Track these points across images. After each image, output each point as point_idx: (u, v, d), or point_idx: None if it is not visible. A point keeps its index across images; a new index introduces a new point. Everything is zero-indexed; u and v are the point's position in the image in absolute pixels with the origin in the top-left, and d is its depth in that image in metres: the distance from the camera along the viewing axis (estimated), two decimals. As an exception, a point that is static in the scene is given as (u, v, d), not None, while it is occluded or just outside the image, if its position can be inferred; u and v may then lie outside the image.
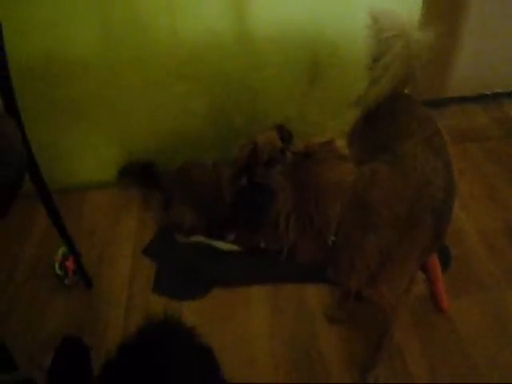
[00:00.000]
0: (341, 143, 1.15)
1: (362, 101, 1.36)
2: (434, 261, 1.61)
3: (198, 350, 0.88)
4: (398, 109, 1.30)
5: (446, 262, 1.65)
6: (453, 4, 2.12)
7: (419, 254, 1.13)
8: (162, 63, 1.74)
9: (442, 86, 2.31)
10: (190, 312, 1.57)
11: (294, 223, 1.09)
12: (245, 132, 1.88)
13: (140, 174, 1.95)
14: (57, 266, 1.62)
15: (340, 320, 1.52)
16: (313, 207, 1.05)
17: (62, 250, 1.65)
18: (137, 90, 1.79)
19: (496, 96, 2.45)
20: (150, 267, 1.73)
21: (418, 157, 1.12)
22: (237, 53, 1.76)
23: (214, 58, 1.75)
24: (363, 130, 1.38)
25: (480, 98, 2.43)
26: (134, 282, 1.69)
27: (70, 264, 1.62)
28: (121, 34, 1.65)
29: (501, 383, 1.34)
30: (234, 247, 1.71)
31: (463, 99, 2.41)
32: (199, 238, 1.74)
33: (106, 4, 1.59)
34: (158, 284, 1.66)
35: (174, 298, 1.61)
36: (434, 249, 1.24)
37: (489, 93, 2.43)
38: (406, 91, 1.42)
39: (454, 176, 1.21)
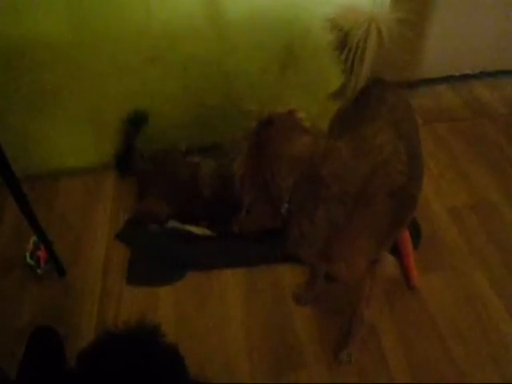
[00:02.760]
0: (301, 115, 1.11)
1: (340, 93, 1.33)
2: (406, 237, 1.60)
3: (163, 350, 0.83)
4: (371, 94, 1.27)
5: (416, 239, 1.63)
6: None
7: (376, 235, 1.11)
8: (136, 46, 1.65)
9: (413, 68, 2.28)
10: (166, 297, 1.53)
11: (248, 186, 1.08)
12: (219, 114, 1.84)
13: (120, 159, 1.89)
14: (28, 255, 1.55)
15: (306, 301, 1.50)
16: (268, 174, 1.03)
17: (33, 239, 1.57)
18: (109, 74, 1.70)
19: (464, 77, 2.43)
20: (125, 254, 1.66)
21: (377, 138, 1.09)
22: (210, 36, 1.68)
23: (188, 41, 1.67)
24: (341, 117, 1.35)
25: (449, 80, 2.41)
26: (108, 270, 1.62)
27: (41, 253, 1.54)
28: (91, 16, 1.55)
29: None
30: (208, 232, 1.66)
31: (433, 81, 2.38)
32: (173, 224, 1.68)
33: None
34: (131, 272, 1.60)
35: (148, 285, 1.56)
36: (394, 233, 1.21)
37: (457, 74, 2.40)
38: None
39: (419, 164, 1.19)
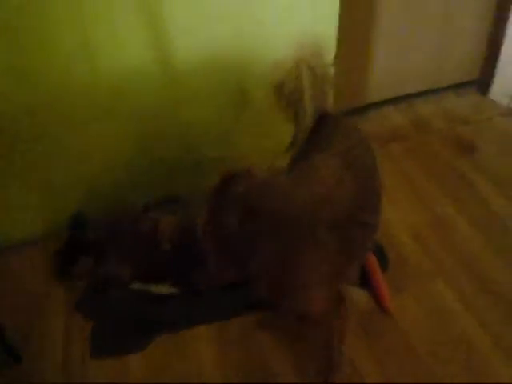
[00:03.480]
0: (260, 170, 1.09)
1: (293, 144, 1.35)
2: (373, 263, 1.62)
3: None
4: (320, 128, 1.28)
5: (383, 262, 1.66)
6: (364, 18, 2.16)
7: (327, 267, 1.07)
8: (83, 105, 1.58)
9: (361, 94, 2.35)
10: (137, 365, 1.43)
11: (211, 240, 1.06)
12: (177, 167, 1.80)
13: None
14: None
15: None
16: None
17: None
18: (56, 133, 1.62)
19: (408, 97, 2.53)
20: (86, 325, 1.54)
21: (321, 170, 1.09)
22: (162, 85, 1.65)
23: (139, 95, 1.63)
24: (295, 158, 1.35)
25: (395, 101, 2.51)
26: (69, 345, 1.49)
27: None
28: (34, 80, 1.49)
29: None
30: (173, 289, 1.59)
31: (380, 104, 2.47)
32: (136, 285, 1.60)
33: (14, 47, 1.42)
34: (95, 345, 1.48)
35: (115, 356, 1.45)
36: (352, 264, 1.21)
37: (402, 94, 2.50)
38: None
39: (374, 191, 1.19)
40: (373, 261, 1.62)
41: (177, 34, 1.57)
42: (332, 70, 1.31)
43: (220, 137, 1.83)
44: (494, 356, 1.41)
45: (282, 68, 1.22)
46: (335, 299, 1.18)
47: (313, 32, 1.70)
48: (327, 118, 1.33)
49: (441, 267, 1.68)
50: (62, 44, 1.46)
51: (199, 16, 1.57)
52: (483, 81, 2.60)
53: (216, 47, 1.65)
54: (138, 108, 1.67)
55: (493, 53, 2.49)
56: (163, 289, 1.59)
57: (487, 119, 2.44)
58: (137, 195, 1.77)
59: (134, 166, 1.79)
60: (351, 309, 1.25)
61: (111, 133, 1.69)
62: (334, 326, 1.24)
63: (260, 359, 1.43)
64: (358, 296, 1.29)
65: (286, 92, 1.22)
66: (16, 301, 1.63)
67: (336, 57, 1.68)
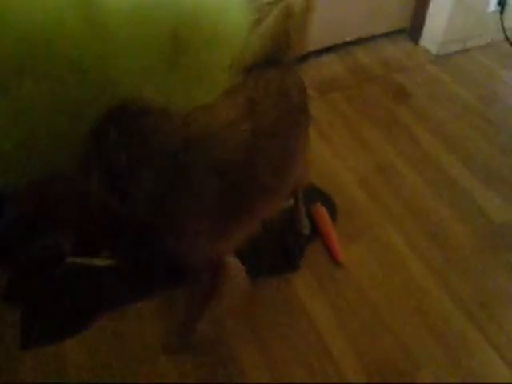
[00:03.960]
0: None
1: (233, 66, 1.19)
2: (323, 214, 1.58)
3: None
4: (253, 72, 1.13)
5: (332, 214, 1.62)
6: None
7: (208, 216, 0.97)
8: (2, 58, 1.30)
9: (302, 42, 2.23)
10: (75, 350, 1.27)
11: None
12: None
13: None
14: None
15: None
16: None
17: None
18: None
19: (346, 45, 2.46)
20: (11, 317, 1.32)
21: (218, 109, 0.98)
22: (87, 41, 1.40)
23: (62, 50, 1.38)
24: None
25: (334, 48, 2.43)
26: None
27: None
28: None
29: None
30: (110, 261, 1.41)
31: (320, 52, 2.37)
32: (73, 260, 1.40)
33: None
34: (27, 334, 1.29)
35: (52, 343, 1.27)
36: (237, 222, 1.04)
37: (340, 42, 2.42)
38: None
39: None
40: (323, 212, 1.58)
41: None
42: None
43: (151, 92, 1.62)
44: (443, 298, 1.44)
45: None
46: (214, 263, 1.08)
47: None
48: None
49: (388, 213, 1.69)
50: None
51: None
52: (413, 29, 2.59)
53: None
54: (58, 65, 1.41)
55: (423, 2, 2.47)
56: (101, 262, 1.40)
57: (419, 66, 2.45)
58: (61, 162, 1.53)
59: (53, 129, 1.54)
60: (228, 282, 1.13)
61: (28, 91, 1.42)
62: (202, 285, 1.13)
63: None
64: (234, 268, 1.14)
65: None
66: None
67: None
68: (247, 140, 0.96)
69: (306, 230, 1.55)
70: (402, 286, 1.47)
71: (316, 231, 1.56)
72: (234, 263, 1.12)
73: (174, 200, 0.91)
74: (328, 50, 2.41)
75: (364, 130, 2.02)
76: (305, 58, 2.30)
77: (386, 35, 2.60)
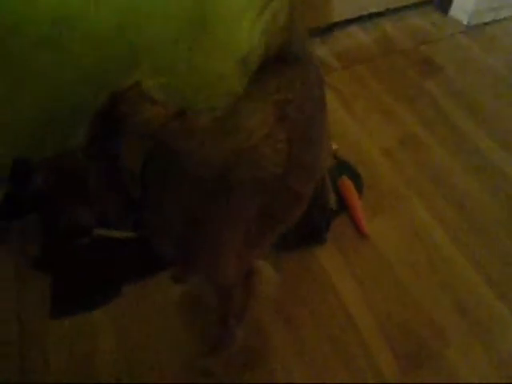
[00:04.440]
0: (149, 84, 0.88)
1: (246, 61, 1.10)
2: (349, 188, 1.54)
3: None
4: (270, 67, 1.04)
5: (359, 187, 1.58)
6: None
7: (243, 232, 0.90)
8: (22, 32, 1.29)
9: (326, 13, 2.14)
10: (102, 320, 1.27)
11: (97, 172, 0.84)
12: None
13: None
14: None
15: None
16: (115, 152, 0.80)
17: None
18: None
19: (372, 16, 2.35)
20: (41, 286, 1.33)
21: (250, 120, 0.88)
22: (111, 10, 1.37)
23: (85, 18, 1.35)
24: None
25: (359, 20, 2.32)
26: (23, 312, 1.28)
27: None
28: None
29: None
30: (131, 234, 1.39)
31: (345, 23, 2.28)
32: (98, 231, 1.40)
33: None
34: (56, 303, 1.29)
35: (79, 312, 1.27)
36: (271, 234, 1.00)
37: (366, 13, 2.31)
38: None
39: (315, 154, 0.99)
40: (349, 185, 1.55)
41: None
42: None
43: (176, 62, 1.58)
44: (470, 271, 1.40)
45: None
46: (245, 273, 1.03)
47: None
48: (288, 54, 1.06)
49: (413, 185, 1.63)
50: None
51: None
52: (443, -1, 2.45)
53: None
54: (81, 35, 1.39)
55: (453, -31, 2.33)
56: (121, 234, 1.40)
57: (448, 37, 2.33)
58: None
59: (80, 100, 1.51)
60: (259, 286, 1.07)
61: (52, 62, 1.41)
62: (234, 301, 1.08)
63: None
64: (265, 275, 1.07)
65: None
66: None
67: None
68: (285, 151, 0.89)
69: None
70: (427, 259, 1.43)
71: (342, 204, 1.53)
72: (263, 267, 1.07)
73: (210, 220, 0.83)
74: (354, 21, 2.31)
75: (389, 102, 1.94)
76: (330, 29, 2.22)
77: (414, 6, 2.46)
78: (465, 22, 2.38)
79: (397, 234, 1.48)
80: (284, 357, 1.21)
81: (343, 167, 1.63)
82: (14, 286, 1.34)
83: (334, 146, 1.67)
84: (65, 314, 1.26)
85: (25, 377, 1.16)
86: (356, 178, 1.59)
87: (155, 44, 1.52)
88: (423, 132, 1.82)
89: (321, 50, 2.15)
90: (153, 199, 0.79)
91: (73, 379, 1.16)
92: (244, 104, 0.92)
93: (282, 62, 1.02)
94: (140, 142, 0.75)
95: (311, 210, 1.43)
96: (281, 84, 0.96)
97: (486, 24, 2.39)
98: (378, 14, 2.36)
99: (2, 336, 1.23)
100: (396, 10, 2.40)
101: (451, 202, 1.58)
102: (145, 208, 0.79)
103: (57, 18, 1.31)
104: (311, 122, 1.00)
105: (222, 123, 0.86)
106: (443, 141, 1.79)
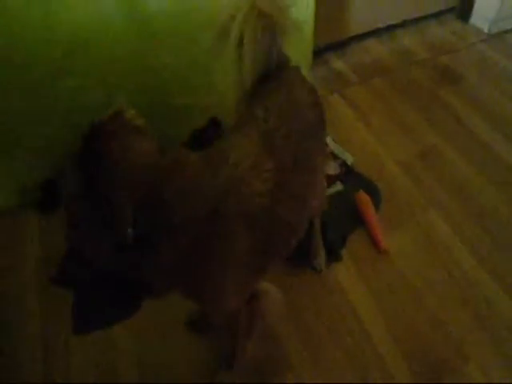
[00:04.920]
0: (130, 114, 0.82)
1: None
2: (366, 203, 1.52)
3: None
4: (267, 84, 1.02)
5: (376, 200, 1.56)
6: None
7: (239, 267, 0.88)
8: (42, 61, 1.33)
9: (342, 27, 2.13)
10: (122, 334, 1.28)
11: (82, 212, 0.78)
12: (148, 114, 1.58)
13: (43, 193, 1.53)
14: None
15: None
16: (103, 193, 0.74)
17: None
18: (15, 94, 1.38)
19: (389, 28, 2.33)
20: (63, 299, 1.33)
21: (235, 151, 0.86)
22: (129, 33, 1.40)
23: (104, 45, 1.39)
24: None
25: (376, 33, 2.31)
26: (48, 326, 1.29)
27: None
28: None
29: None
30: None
31: (364, 36, 2.27)
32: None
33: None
34: (78, 318, 1.31)
35: (102, 328, 1.29)
36: (266, 263, 0.97)
37: (383, 26, 2.29)
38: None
39: (294, 184, 0.93)
40: (366, 200, 1.52)
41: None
42: (292, 17, 1.03)
43: (194, 81, 1.61)
44: (491, 288, 1.35)
45: (228, 12, 0.97)
46: (249, 297, 1.02)
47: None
48: (279, 74, 1.04)
49: (432, 198, 1.60)
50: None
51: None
52: (463, 7, 2.41)
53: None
54: (102, 59, 1.43)
55: (472, -23, 2.28)
56: None
57: (469, 46, 2.28)
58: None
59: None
60: (266, 306, 1.07)
61: (72, 88, 1.45)
62: (239, 329, 1.07)
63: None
64: (270, 295, 1.09)
65: (232, 37, 0.96)
66: None
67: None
68: (271, 180, 0.87)
69: (320, 265, 1.39)
70: (447, 274, 1.39)
71: (359, 218, 1.50)
72: (267, 289, 1.07)
73: (205, 260, 0.82)
74: (371, 33, 2.29)
75: (407, 114, 1.92)
76: (346, 42, 2.21)
77: (433, 16, 2.44)
78: (486, 30, 2.33)
79: (415, 249, 1.45)
80: (300, 368, 1.21)
81: (360, 181, 1.61)
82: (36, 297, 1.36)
83: (350, 159, 1.66)
84: (87, 329, 1.28)
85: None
86: (373, 192, 1.57)
87: (172, 65, 1.55)
88: (443, 144, 1.78)
89: (337, 64, 2.16)
90: (145, 239, 0.77)
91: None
92: (232, 136, 0.92)
93: (270, 83, 1.00)
94: (130, 187, 0.73)
95: (325, 229, 1.43)
96: (268, 110, 0.93)
97: (506, 32, 2.33)
98: (396, 26, 2.34)
99: (26, 349, 1.26)
100: (414, 21, 2.38)
101: (472, 216, 1.53)
102: (137, 248, 0.77)
103: (68, 49, 1.35)
104: (302, 150, 0.96)
105: (209, 158, 0.84)
106: (464, 153, 1.74)
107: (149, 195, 0.74)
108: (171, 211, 0.75)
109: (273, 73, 1.01)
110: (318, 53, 2.07)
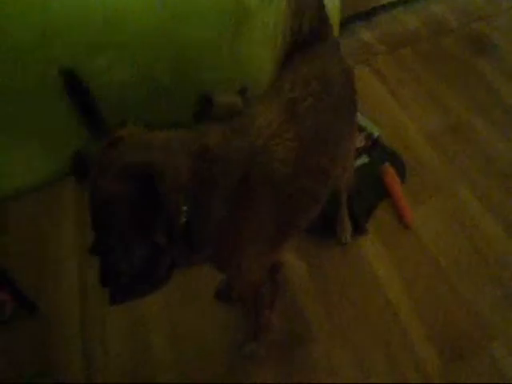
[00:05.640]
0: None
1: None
2: (392, 177, 1.47)
3: None
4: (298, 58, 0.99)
5: (401, 173, 1.51)
6: None
7: (265, 236, 0.87)
8: (77, 36, 1.33)
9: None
10: (155, 305, 1.29)
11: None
12: (175, 92, 1.55)
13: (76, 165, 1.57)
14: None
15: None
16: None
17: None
18: (50, 70, 1.37)
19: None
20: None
21: (259, 119, 0.84)
22: (156, 7, 1.37)
23: (133, 22, 1.37)
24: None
25: (406, 2, 2.16)
26: (85, 292, 1.33)
27: (3, 295, 1.24)
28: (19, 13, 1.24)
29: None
30: None
31: (392, 5, 2.14)
32: None
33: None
34: (113, 291, 1.37)
35: (136, 298, 1.35)
36: (289, 233, 0.96)
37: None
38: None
39: (313, 157, 0.90)
40: (391, 173, 1.47)
41: None
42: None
43: (219, 57, 1.56)
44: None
45: None
46: (271, 268, 1.01)
47: None
48: (315, 46, 1.00)
49: (461, 172, 1.53)
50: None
51: None
52: (498, -29, 2.22)
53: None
54: (131, 36, 1.41)
55: None
56: None
57: (503, 12, 2.12)
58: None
59: (133, 97, 1.55)
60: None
61: (106, 64, 1.44)
62: (260, 301, 1.06)
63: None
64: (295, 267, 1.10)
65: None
66: (25, 247, 1.45)
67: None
68: (294, 149, 0.85)
69: (346, 237, 1.37)
70: (474, 251, 1.35)
71: (385, 191, 1.46)
72: (290, 261, 1.08)
73: (234, 229, 0.81)
74: (399, 3, 2.15)
75: (437, 85, 1.82)
76: (374, 12, 2.10)
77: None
78: (523, -5, 2.16)
79: (441, 224, 1.41)
80: (324, 342, 1.21)
81: (386, 154, 1.56)
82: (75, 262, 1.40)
83: (377, 132, 1.60)
84: (121, 300, 1.31)
85: (86, 360, 1.23)
86: (399, 164, 1.52)
87: (197, 39, 1.51)
88: (474, 117, 1.69)
89: (365, 35, 2.06)
90: (197, 209, 0.77)
91: (130, 364, 1.21)
92: (257, 106, 0.90)
93: (303, 55, 0.98)
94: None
95: (351, 200, 1.40)
96: (296, 80, 0.91)
97: (545, -4, 2.15)
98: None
99: (65, 326, 1.29)
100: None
101: (503, 192, 1.46)
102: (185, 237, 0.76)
103: (102, 26, 1.34)
104: (327, 123, 0.93)
105: (234, 127, 0.83)
106: (497, 126, 1.65)
107: (191, 178, 0.73)
108: (202, 181, 0.74)
109: (310, 41, 0.99)
110: (345, 23, 1.97)
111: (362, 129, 1.61)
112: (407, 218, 1.39)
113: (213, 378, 1.17)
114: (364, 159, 1.55)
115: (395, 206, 1.43)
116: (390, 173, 1.48)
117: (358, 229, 1.38)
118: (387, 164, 1.51)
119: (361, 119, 1.65)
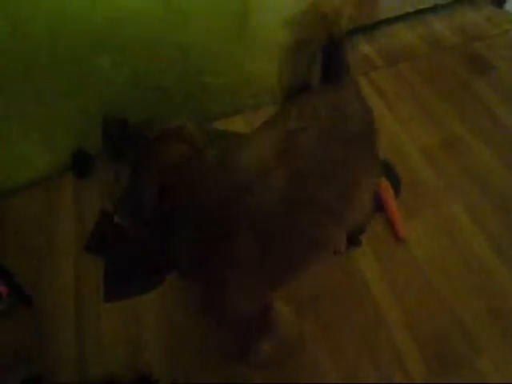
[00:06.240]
0: (190, 129, 0.82)
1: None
2: (386, 190, 1.48)
3: None
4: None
5: (396, 187, 1.52)
6: None
7: (248, 270, 0.82)
8: (79, 37, 1.34)
9: (372, 11, 2.03)
10: (149, 305, 1.31)
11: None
12: (177, 92, 1.57)
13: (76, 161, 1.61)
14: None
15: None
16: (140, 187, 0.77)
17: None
18: (51, 67, 1.38)
19: (419, 13, 2.20)
20: (97, 266, 1.38)
21: (248, 153, 0.81)
22: (159, 12, 1.39)
23: (136, 23, 1.38)
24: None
25: (405, 17, 2.19)
26: (80, 288, 1.35)
27: (0, 287, 1.26)
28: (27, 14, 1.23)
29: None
30: None
31: (390, 20, 2.16)
32: None
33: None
34: (108, 288, 1.34)
35: (129, 298, 1.33)
36: (279, 272, 0.90)
37: (412, 10, 2.17)
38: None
39: (313, 192, 0.84)
40: (386, 186, 1.49)
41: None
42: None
43: (222, 60, 1.57)
44: (509, 282, 1.31)
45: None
46: (261, 308, 0.96)
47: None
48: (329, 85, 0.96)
49: (454, 188, 1.55)
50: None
51: None
52: (499, -9, 2.25)
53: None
54: (134, 37, 1.42)
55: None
56: None
57: (503, 33, 2.14)
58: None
59: (133, 98, 1.57)
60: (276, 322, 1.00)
61: (107, 64, 1.45)
62: (249, 334, 1.02)
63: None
64: (280, 315, 1.01)
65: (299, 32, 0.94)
66: (23, 241, 1.47)
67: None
68: (282, 188, 0.79)
69: (339, 249, 1.36)
70: (464, 265, 1.36)
71: (379, 205, 1.46)
72: (280, 310, 1.01)
73: (213, 265, 0.80)
74: (400, 18, 2.18)
75: (433, 101, 1.84)
76: (375, 26, 2.12)
77: (467, 0, 2.28)
78: (522, 16, 2.18)
79: (433, 238, 1.42)
80: (315, 352, 1.21)
81: (381, 167, 1.56)
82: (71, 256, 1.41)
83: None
84: (115, 298, 1.33)
85: (80, 349, 1.24)
86: (394, 179, 1.53)
87: (201, 43, 1.52)
88: (468, 134, 1.71)
89: (365, 48, 2.08)
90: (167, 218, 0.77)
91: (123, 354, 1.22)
92: (253, 134, 0.88)
93: (318, 88, 0.95)
94: (156, 173, 0.74)
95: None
96: (304, 111, 0.86)
97: (544, 18, 2.18)
98: (426, 11, 2.22)
99: (60, 321, 1.30)
100: (445, 6, 2.24)
101: (495, 209, 1.48)
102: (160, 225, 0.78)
103: (104, 27, 1.35)
104: (336, 158, 0.86)
105: (223, 156, 0.80)
106: (490, 144, 1.67)
107: (172, 180, 0.75)
108: (181, 196, 0.75)
109: (326, 78, 0.95)
110: (346, 36, 1.98)
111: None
112: (400, 231, 1.40)
113: (207, 377, 1.17)
114: (360, 171, 1.55)
115: (389, 220, 1.44)
116: (384, 186, 1.48)
117: (353, 240, 1.39)
118: (382, 178, 1.51)
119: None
